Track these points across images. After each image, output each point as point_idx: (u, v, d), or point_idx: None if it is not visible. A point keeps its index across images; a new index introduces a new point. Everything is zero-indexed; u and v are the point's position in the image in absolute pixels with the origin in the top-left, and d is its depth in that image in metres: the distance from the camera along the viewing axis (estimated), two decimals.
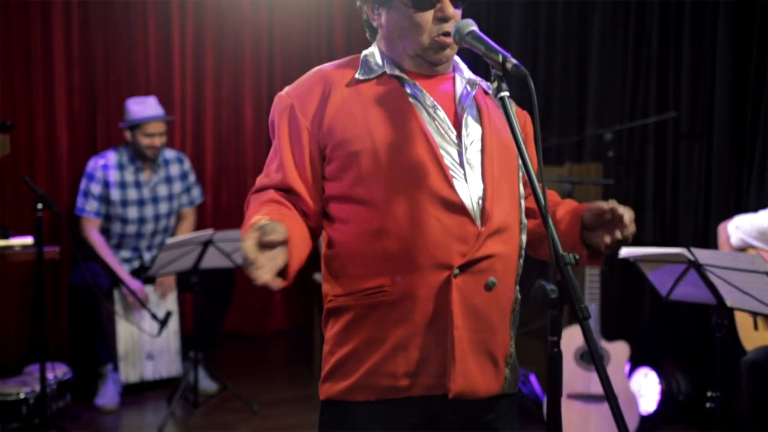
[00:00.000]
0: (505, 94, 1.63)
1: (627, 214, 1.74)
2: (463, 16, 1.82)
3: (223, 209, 5.70)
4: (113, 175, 4.45)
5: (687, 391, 4.02)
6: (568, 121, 4.96)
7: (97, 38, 5.10)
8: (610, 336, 4.00)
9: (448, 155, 1.74)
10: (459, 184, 1.73)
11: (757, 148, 3.90)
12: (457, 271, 1.69)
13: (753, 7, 3.91)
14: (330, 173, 1.77)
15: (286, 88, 1.85)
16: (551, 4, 5.05)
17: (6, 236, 3.87)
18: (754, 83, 3.93)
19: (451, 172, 1.72)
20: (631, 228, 1.75)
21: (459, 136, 1.77)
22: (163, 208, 4.61)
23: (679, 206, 4.30)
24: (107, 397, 4.28)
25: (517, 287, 1.82)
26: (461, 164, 1.75)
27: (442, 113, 1.77)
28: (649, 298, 4.33)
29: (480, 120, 1.81)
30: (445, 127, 1.77)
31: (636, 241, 4.43)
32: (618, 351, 3.76)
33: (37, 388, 3.80)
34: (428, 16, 1.76)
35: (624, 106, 4.58)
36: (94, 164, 4.47)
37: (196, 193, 4.81)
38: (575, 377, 3.64)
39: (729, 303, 2.82)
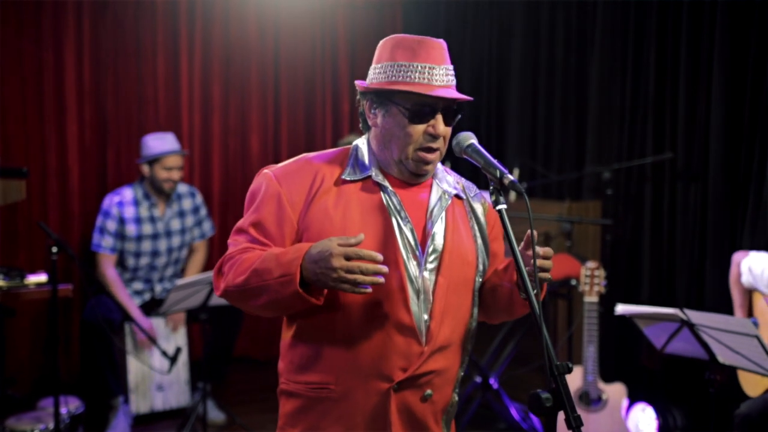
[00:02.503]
0: (503, 207, 1.73)
1: (542, 250, 1.80)
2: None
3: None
4: (128, 212, 4.57)
5: (683, 426, 4.13)
6: (567, 158, 5.07)
7: (108, 73, 5.22)
8: (608, 377, 4.11)
9: (408, 273, 1.84)
10: (412, 304, 1.84)
11: (750, 191, 4.00)
12: (396, 386, 1.84)
13: (746, 53, 4.01)
14: None
15: (274, 170, 1.91)
16: (551, 42, 5.16)
17: (22, 278, 3.98)
18: (747, 127, 4.04)
19: (408, 292, 1.84)
20: (546, 264, 1.80)
21: (423, 250, 1.87)
22: (176, 241, 4.72)
23: (675, 245, 4.40)
24: (118, 429, 4.39)
25: (455, 392, 1.96)
26: (418, 283, 1.85)
27: (411, 226, 1.87)
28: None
29: (445, 232, 1.90)
30: (412, 243, 1.86)
31: (634, 280, 4.58)
32: (615, 393, 3.87)
33: (51, 424, 3.91)
34: (419, 129, 1.85)
35: (622, 146, 4.69)
36: (110, 201, 4.58)
37: (207, 226, 4.93)
38: None
39: (721, 360, 2.93)
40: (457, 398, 1.97)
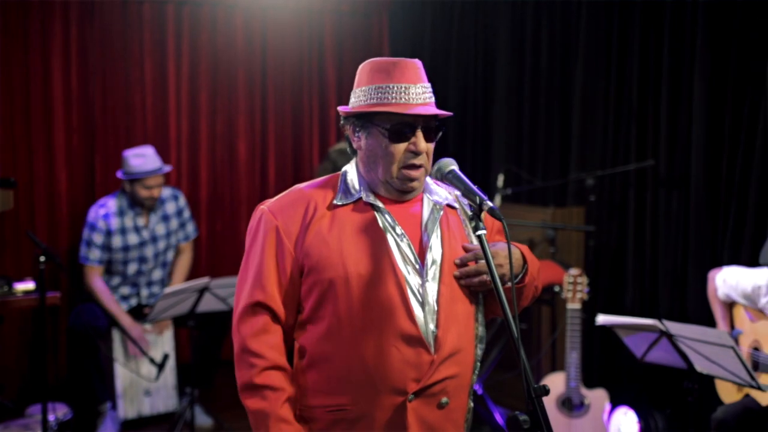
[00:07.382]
0: (482, 233, 1.77)
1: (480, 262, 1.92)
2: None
3: (217, 239, 5.84)
4: (114, 223, 4.58)
5: (664, 429, 4.20)
6: (551, 164, 5.13)
7: (96, 79, 5.24)
8: (591, 383, 4.17)
9: (410, 286, 1.89)
10: (417, 315, 1.88)
11: (732, 200, 4.06)
12: (411, 396, 1.88)
13: (727, 62, 4.07)
14: (304, 292, 1.93)
15: (269, 205, 1.97)
16: (536, 50, 5.22)
17: (9, 285, 4.01)
18: (728, 135, 4.10)
19: (412, 304, 1.88)
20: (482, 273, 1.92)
21: (422, 262, 1.92)
22: (162, 245, 4.75)
23: (658, 251, 4.46)
24: None
25: (471, 398, 1.99)
26: (421, 294, 1.90)
27: (407, 241, 1.92)
28: None
29: (441, 242, 1.95)
30: (411, 257, 1.91)
31: (617, 286, 4.63)
32: (597, 398, 3.93)
33: (39, 431, 3.94)
34: (401, 147, 1.91)
35: (606, 152, 4.75)
36: (95, 214, 4.59)
37: (190, 228, 4.96)
38: (556, 424, 3.80)
39: (698, 369, 2.99)
40: (472, 404, 2.00)
